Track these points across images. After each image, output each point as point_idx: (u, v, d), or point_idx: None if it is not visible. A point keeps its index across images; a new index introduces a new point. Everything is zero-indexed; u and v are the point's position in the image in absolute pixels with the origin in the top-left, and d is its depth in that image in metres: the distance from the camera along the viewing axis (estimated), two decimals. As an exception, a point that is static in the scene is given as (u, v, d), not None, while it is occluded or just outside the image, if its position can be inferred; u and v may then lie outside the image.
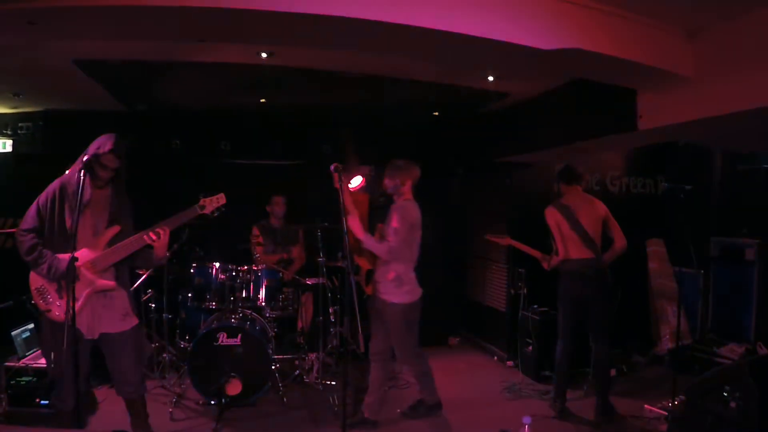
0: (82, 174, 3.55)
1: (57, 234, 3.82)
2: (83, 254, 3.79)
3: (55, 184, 3.88)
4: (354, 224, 4.84)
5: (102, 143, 3.87)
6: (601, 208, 5.43)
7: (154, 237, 3.91)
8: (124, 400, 4.23)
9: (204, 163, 7.59)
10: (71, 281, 3.41)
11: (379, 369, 5.20)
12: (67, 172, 3.96)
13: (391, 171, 5.11)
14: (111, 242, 3.92)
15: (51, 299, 3.81)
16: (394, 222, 4.94)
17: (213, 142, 7.67)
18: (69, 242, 3.62)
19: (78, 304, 3.74)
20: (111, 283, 3.94)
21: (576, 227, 5.41)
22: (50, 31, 4.06)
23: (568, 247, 5.47)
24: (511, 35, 3.95)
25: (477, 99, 6.65)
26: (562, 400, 5.52)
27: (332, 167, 4.27)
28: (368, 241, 4.92)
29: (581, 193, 5.54)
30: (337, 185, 4.30)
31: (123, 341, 4.04)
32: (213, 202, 4.10)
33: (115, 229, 3.95)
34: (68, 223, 3.79)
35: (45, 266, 3.75)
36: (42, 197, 3.85)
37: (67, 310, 3.42)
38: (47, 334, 3.94)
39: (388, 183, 5.14)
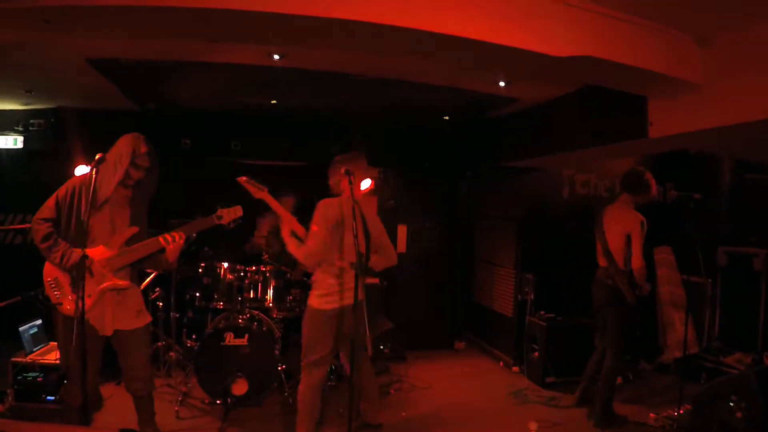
0: (94, 172, 3.59)
1: (74, 228, 3.85)
2: (99, 251, 3.85)
3: (75, 179, 3.94)
4: (283, 227, 4.64)
5: (136, 144, 3.98)
6: (630, 224, 5.32)
7: (169, 239, 3.96)
8: (133, 397, 4.27)
9: (214, 162, 7.60)
10: (81, 277, 3.44)
11: (361, 375, 4.77)
12: (84, 167, 4.00)
13: (331, 168, 4.72)
14: (128, 242, 3.97)
15: (64, 293, 3.85)
16: (312, 223, 4.49)
17: (223, 142, 7.68)
18: (81, 237, 3.72)
19: (90, 301, 3.80)
20: (125, 282, 3.99)
21: (599, 235, 5.50)
22: (65, 30, 4.08)
23: (599, 253, 5.57)
24: (524, 42, 3.94)
25: (487, 103, 6.65)
26: (580, 396, 5.77)
27: (343, 170, 4.28)
28: (289, 245, 4.55)
29: (624, 203, 5.50)
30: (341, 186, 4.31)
31: (136, 338, 4.10)
32: (230, 214, 4.20)
33: (134, 229, 4.00)
34: (83, 216, 3.83)
35: (58, 254, 3.78)
36: (62, 190, 3.90)
37: (76, 307, 3.45)
38: (61, 328, 3.97)
39: (330, 183, 4.74)
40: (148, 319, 4.21)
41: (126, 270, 4.03)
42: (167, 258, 4.09)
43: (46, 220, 3.83)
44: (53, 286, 3.86)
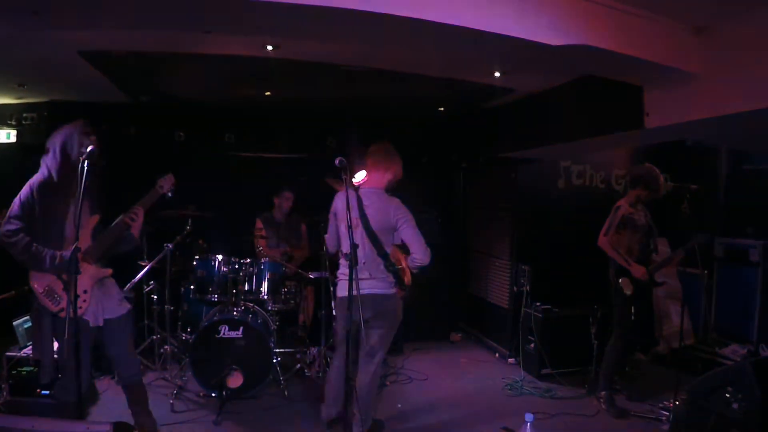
0: (85, 164, 3.51)
1: (42, 231, 3.81)
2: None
3: (34, 181, 3.85)
4: None
5: (78, 130, 3.95)
6: (612, 210, 5.63)
7: (133, 216, 4.07)
8: (126, 387, 4.32)
9: (208, 155, 7.57)
10: (74, 272, 3.40)
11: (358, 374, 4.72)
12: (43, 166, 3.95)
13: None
14: (94, 231, 4.02)
15: (60, 297, 3.83)
16: None
17: (217, 135, 7.65)
18: (58, 237, 3.79)
19: (88, 296, 3.89)
20: (108, 270, 4.07)
21: None
22: (55, 22, 4.04)
23: None
24: (520, 31, 3.91)
25: (482, 94, 6.62)
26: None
27: (337, 161, 4.25)
28: None
29: (627, 197, 5.74)
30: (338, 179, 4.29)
31: (123, 325, 4.17)
32: (167, 182, 4.32)
33: (96, 217, 4.04)
34: (54, 217, 3.83)
35: (47, 258, 3.74)
36: (23, 195, 3.79)
37: (68, 302, 3.42)
38: (47, 329, 3.95)
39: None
40: (129, 305, 4.31)
41: (101, 259, 4.09)
42: (133, 235, 4.17)
43: (18, 230, 3.72)
44: (47, 294, 3.82)
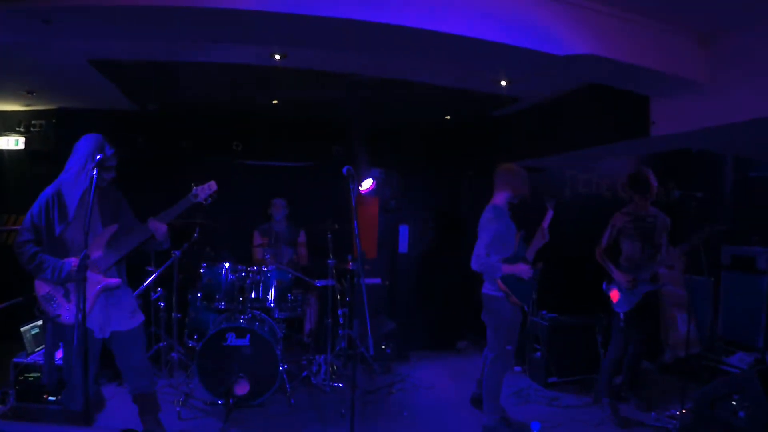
0: (95, 173, 3.55)
1: (52, 241, 3.87)
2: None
3: (48, 192, 3.91)
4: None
5: (99, 146, 3.98)
6: None
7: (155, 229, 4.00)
8: (137, 396, 4.32)
9: (215, 163, 7.59)
10: (82, 278, 3.44)
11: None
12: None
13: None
14: (110, 241, 4.00)
15: (59, 304, 3.88)
16: None
17: (224, 143, 7.68)
18: (65, 248, 3.83)
19: (88, 305, 3.81)
20: (116, 280, 4.03)
21: None
22: (65, 30, 4.08)
23: None
24: (527, 41, 3.94)
25: (488, 103, 6.64)
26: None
27: (344, 170, 4.26)
28: None
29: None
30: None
31: (133, 338, 4.17)
32: (205, 190, 4.14)
33: (111, 228, 4.02)
34: (57, 230, 3.85)
35: (48, 271, 3.81)
36: (35, 208, 3.89)
37: (77, 310, 3.46)
38: (50, 339, 4.00)
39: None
40: (142, 317, 4.28)
41: (113, 269, 4.08)
42: (159, 241, 4.10)
43: (26, 242, 3.84)
44: (47, 300, 3.89)
